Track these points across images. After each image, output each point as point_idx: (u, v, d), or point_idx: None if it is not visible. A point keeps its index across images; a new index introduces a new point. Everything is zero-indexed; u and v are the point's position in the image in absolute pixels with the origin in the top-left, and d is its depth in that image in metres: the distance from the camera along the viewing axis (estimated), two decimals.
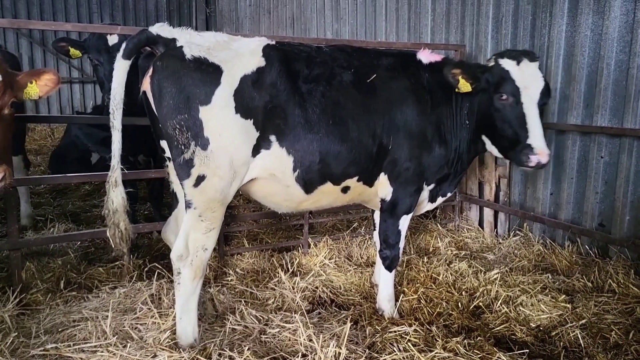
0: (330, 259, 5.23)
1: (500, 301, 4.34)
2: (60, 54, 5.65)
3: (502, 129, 3.89)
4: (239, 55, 3.44)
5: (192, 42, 3.36)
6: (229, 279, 4.70)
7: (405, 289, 4.59)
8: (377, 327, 3.93)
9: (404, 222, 4.19)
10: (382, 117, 3.83)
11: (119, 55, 3.30)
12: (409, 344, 3.62)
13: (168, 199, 7.58)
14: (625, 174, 4.85)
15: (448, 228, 6.32)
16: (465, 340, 3.69)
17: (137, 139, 5.79)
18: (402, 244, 4.26)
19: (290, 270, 4.99)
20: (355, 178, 3.89)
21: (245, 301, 4.23)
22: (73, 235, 5.05)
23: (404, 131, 3.90)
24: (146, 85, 3.36)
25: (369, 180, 3.98)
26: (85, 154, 8.17)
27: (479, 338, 3.76)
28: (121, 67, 3.30)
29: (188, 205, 3.38)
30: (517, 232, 5.87)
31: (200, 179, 3.31)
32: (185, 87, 3.24)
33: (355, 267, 5.13)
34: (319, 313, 4.17)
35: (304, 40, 9.03)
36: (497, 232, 6.18)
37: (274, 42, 3.68)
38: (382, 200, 4.11)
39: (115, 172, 3.32)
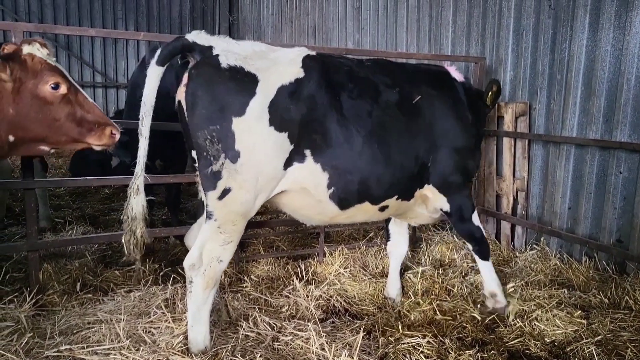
0: (345, 268, 5.23)
1: (515, 315, 4.31)
2: None
3: None
4: (276, 64, 3.37)
5: (229, 50, 3.29)
6: (244, 285, 4.73)
7: (420, 300, 4.58)
8: (390, 337, 3.92)
9: (476, 218, 4.39)
10: (427, 137, 3.89)
11: (153, 61, 3.25)
12: (422, 355, 3.62)
13: (185, 204, 7.70)
14: None
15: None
16: (479, 354, 3.67)
17: (155, 144, 5.86)
18: (484, 232, 4.52)
19: (305, 279, 5.00)
20: (395, 197, 3.93)
21: (259, 308, 4.25)
22: (91, 237, 5.12)
23: (450, 147, 4.01)
24: (181, 94, 3.31)
25: (408, 196, 4.04)
26: (105, 157, 8.28)
27: (492, 352, 3.74)
28: (154, 74, 3.25)
29: (209, 216, 3.33)
30: (534, 246, 5.81)
31: (225, 192, 3.26)
32: (219, 97, 3.16)
33: (370, 277, 5.13)
34: (332, 322, 4.17)
35: (324, 49, 9.08)
36: (514, 245, 6.12)
37: (314, 53, 3.60)
38: (445, 212, 4.28)
39: (138, 178, 3.30)
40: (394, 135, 3.70)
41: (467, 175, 4.25)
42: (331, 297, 4.62)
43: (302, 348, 3.57)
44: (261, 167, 3.28)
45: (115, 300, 4.20)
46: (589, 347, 3.80)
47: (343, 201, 3.68)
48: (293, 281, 4.79)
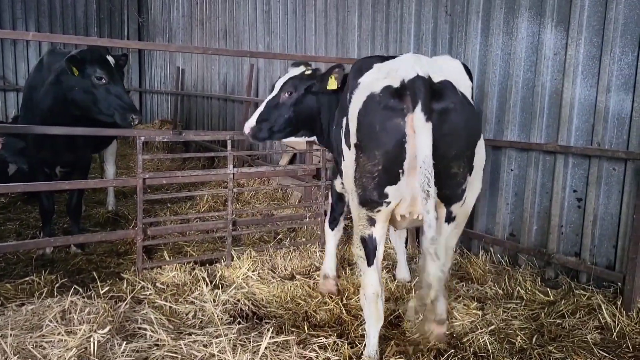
0: (253, 271, 5.19)
1: (417, 309, 4.44)
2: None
3: None
4: (465, 78, 3.66)
5: (432, 72, 3.23)
6: (147, 293, 4.60)
7: (327, 299, 4.64)
8: (296, 339, 3.93)
9: None
10: None
11: (422, 120, 3.00)
12: (326, 354, 3.66)
13: (91, 211, 7.38)
14: (532, 186, 5.13)
15: None
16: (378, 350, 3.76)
17: (56, 150, 5.61)
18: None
19: (213, 283, 4.93)
20: None
21: (163, 315, 4.15)
22: None
23: None
24: (422, 129, 3.03)
25: None
26: (2, 164, 7.81)
27: (394, 347, 3.83)
28: (428, 130, 3.01)
29: (452, 219, 3.52)
30: None
31: (465, 199, 3.53)
32: (474, 126, 3.40)
33: (279, 279, 5.13)
34: (239, 324, 4.13)
35: (237, 53, 8.98)
36: (418, 243, 6.33)
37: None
38: None
39: (435, 242, 3.07)
40: None
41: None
42: (238, 300, 4.57)
43: (203, 353, 3.52)
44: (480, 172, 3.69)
45: (5, 315, 3.95)
46: (483, 337, 3.98)
47: None
48: (200, 287, 4.72)
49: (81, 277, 4.98)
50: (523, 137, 5.19)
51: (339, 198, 4.84)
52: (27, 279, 4.65)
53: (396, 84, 3.22)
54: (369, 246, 3.53)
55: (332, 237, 5.02)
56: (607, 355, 3.77)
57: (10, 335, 3.44)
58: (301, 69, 4.81)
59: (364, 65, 3.81)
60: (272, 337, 3.69)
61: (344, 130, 3.80)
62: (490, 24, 5.41)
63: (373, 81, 3.40)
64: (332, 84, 4.48)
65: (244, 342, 3.72)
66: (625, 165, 4.53)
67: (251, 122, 4.73)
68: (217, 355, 3.46)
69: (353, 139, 3.41)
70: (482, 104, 5.55)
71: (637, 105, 4.41)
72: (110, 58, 5.44)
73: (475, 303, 4.53)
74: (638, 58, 4.38)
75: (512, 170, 5.32)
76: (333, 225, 5.00)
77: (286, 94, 4.69)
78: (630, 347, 3.90)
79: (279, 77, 4.88)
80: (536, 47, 5.03)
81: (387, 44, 6.82)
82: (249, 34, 10.45)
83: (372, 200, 3.37)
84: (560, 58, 4.86)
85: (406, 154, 3.18)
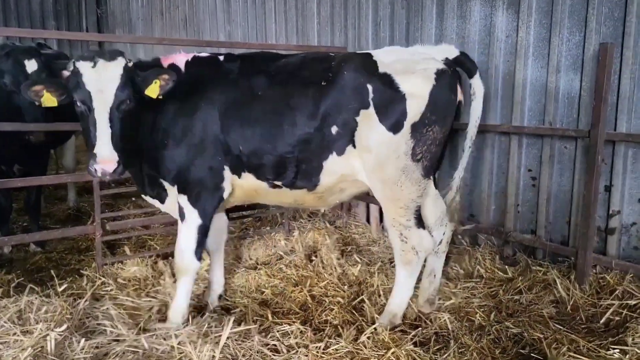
0: None
1: (380, 293, 4.50)
2: None
3: (84, 138, 3.63)
4: None
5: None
6: (109, 289, 4.56)
7: (292, 286, 4.66)
8: (260, 327, 3.95)
9: None
10: None
11: (481, 84, 4.12)
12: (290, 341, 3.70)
13: (52, 209, 7.26)
14: (489, 167, 5.21)
15: (336, 225, 6.47)
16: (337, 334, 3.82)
17: (14, 148, 5.48)
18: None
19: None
20: None
21: (124, 310, 4.13)
22: None
23: None
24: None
25: None
26: None
27: (352, 330, 3.88)
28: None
29: None
30: None
31: None
32: None
33: (244, 269, 5.14)
34: (202, 316, 4.14)
35: (194, 43, 8.90)
36: (383, 226, 6.38)
37: None
38: None
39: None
40: None
41: None
42: (202, 292, 4.58)
43: (164, 346, 3.52)
44: None
45: None
46: (444, 316, 4.07)
47: None
48: (164, 280, 4.70)
49: (40, 275, 4.92)
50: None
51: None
52: None
53: (443, 62, 3.81)
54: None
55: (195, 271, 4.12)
56: (561, 327, 3.88)
57: None
58: (120, 61, 3.55)
59: (364, 59, 3.86)
60: (234, 327, 3.71)
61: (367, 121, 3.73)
62: (444, 8, 5.44)
63: (422, 64, 3.74)
64: (153, 90, 3.63)
65: (206, 333, 3.73)
66: (576, 144, 4.64)
67: (109, 155, 3.37)
68: (178, 348, 3.47)
69: (415, 118, 3.68)
70: None
71: (585, 85, 4.52)
72: (29, 62, 5.12)
73: None
74: (585, 38, 4.48)
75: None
76: (200, 252, 4.07)
77: (128, 100, 3.53)
78: (584, 319, 4.03)
79: (92, 76, 3.45)
80: (489, 30, 5.09)
81: (346, 31, 6.82)
82: (210, 23, 10.33)
83: (433, 167, 3.93)
84: (512, 40, 4.93)
85: None
